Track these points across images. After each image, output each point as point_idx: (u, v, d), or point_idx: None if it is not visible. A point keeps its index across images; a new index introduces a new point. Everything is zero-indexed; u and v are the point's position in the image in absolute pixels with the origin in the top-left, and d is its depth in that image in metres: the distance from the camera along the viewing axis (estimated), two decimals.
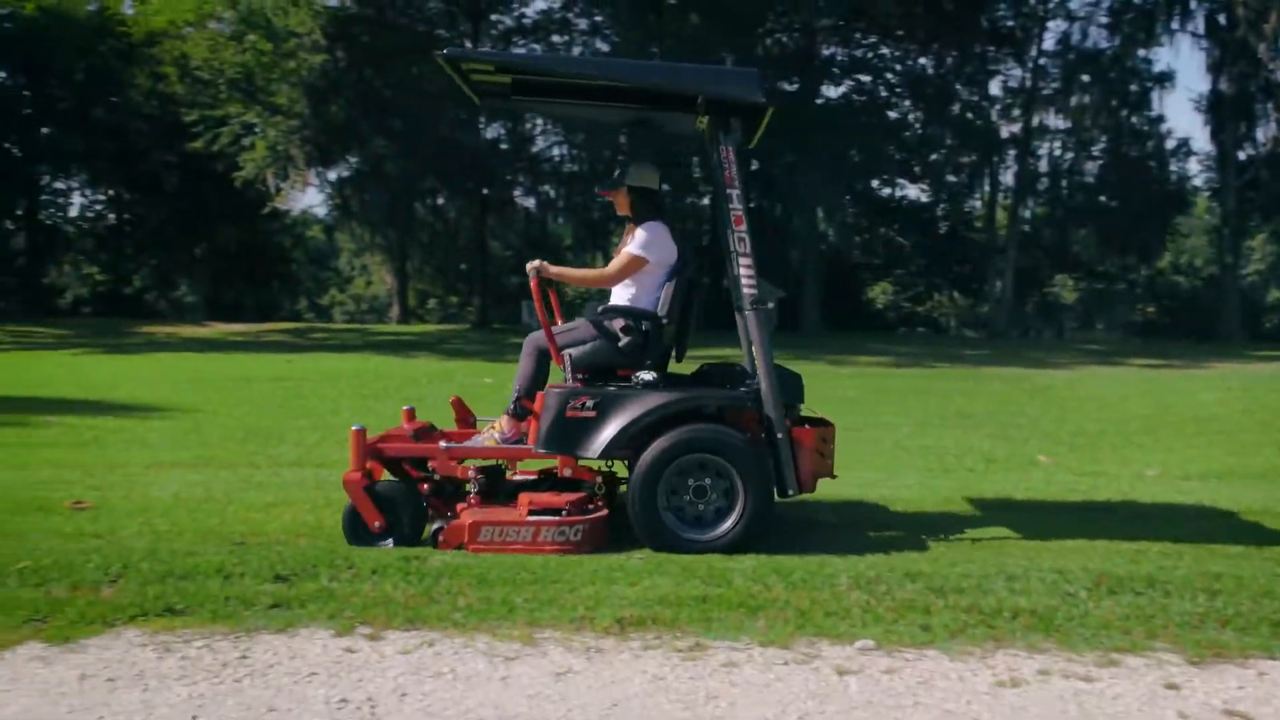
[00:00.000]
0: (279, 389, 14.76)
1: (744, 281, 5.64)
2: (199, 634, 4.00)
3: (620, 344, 5.70)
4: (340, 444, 9.46)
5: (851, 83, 41.21)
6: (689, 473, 5.42)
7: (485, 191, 38.84)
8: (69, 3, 43.00)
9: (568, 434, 5.49)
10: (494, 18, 39.50)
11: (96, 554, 4.90)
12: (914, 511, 6.68)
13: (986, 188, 43.47)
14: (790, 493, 5.53)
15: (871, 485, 7.59)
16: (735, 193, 5.65)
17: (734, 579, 4.60)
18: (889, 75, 41.28)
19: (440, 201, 42.52)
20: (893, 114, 41.53)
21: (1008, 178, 42.52)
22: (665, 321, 5.75)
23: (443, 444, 5.74)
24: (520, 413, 5.70)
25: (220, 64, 36.03)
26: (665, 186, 6.20)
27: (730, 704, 3.44)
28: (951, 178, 42.86)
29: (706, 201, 39.78)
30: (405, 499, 5.60)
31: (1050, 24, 42.52)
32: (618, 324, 5.74)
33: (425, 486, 5.75)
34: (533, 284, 5.75)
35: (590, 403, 5.50)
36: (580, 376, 5.67)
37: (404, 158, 36.20)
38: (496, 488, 5.89)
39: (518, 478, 6.06)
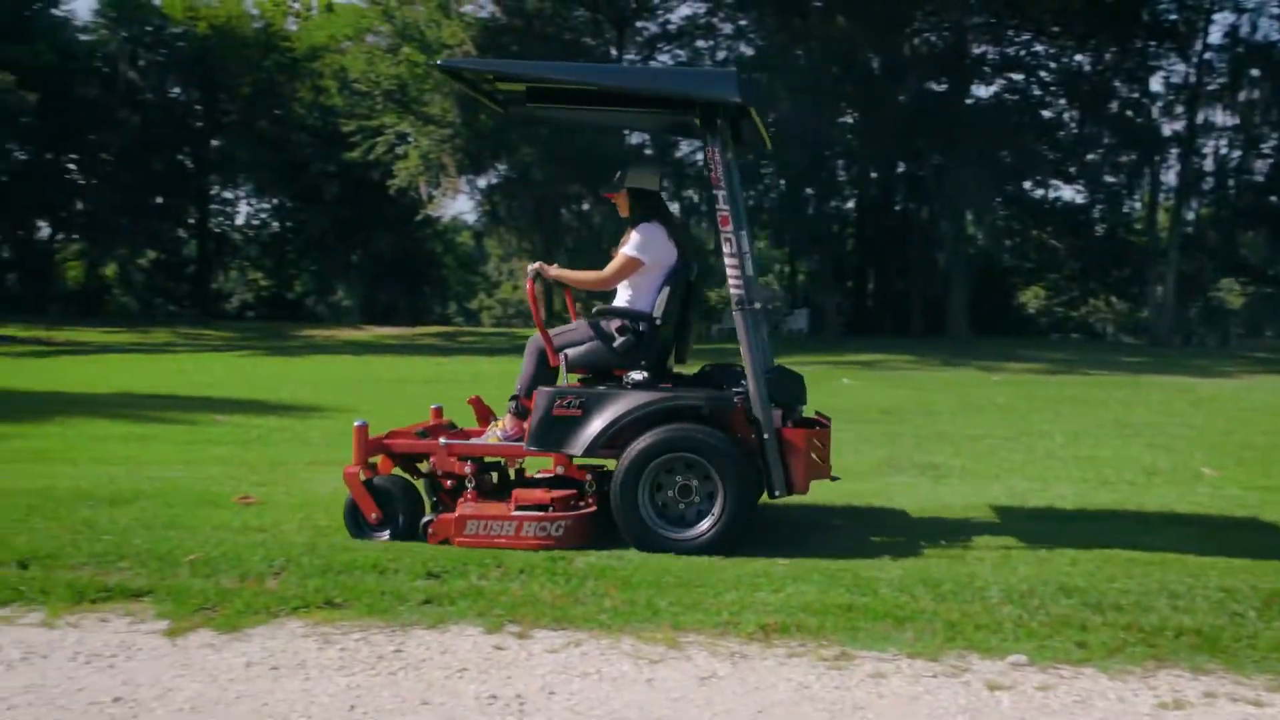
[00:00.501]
0: (430, 390, 15.16)
1: (731, 282, 5.63)
2: (356, 626, 4.15)
3: (615, 344, 5.74)
4: None
5: (1003, 81, 40.13)
6: (672, 472, 5.44)
7: None
8: (238, 21, 45.12)
9: (555, 432, 5.55)
10: (639, 25, 39.83)
11: (261, 547, 5.12)
12: (1068, 524, 6.47)
13: (1147, 188, 41.73)
14: (778, 494, 5.47)
15: (1024, 495, 7.37)
16: (722, 193, 5.64)
17: (880, 588, 4.53)
18: (1043, 73, 40.05)
19: (585, 206, 43.07)
20: (1047, 113, 40.28)
21: (1170, 178, 40.74)
22: (659, 322, 5.77)
23: (442, 440, 5.84)
24: (521, 412, 5.76)
25: (376, 76, 37.30)
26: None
27: (877, 715, 3.39)
28: (1109, 178, 41.28)
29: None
30: (401, 493, 5.75)
31: (1216, 17, 40.61)
32: (613, 325, 5.78)
33: (449, 482, 5.81)
34: (528, 286, 5.90)
35: (576, 402, 5.55)
36: (581, 377, 5.78)
37: (550, 164, 36.78)
38: (506, 484, 6.05)
39: (538, 475, 6.08)
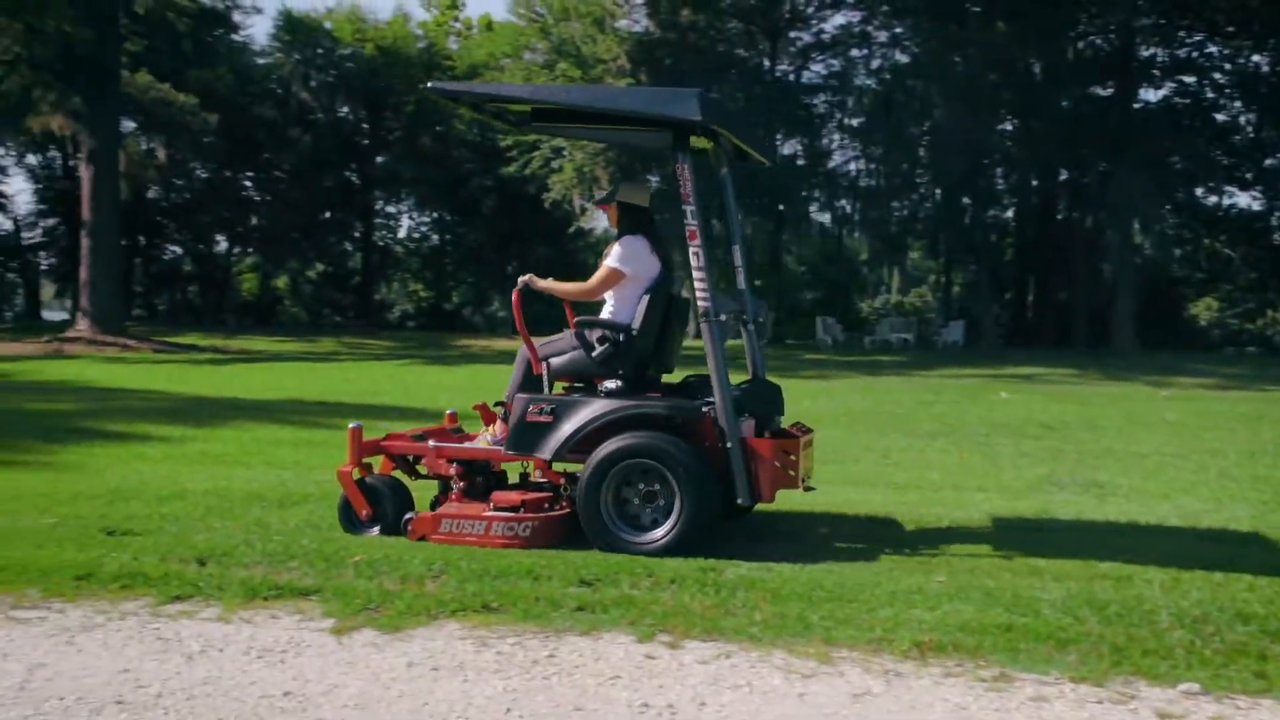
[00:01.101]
0: None
1: (698, 295, 5.82)
2: (512, 631, 4.24)
3: (594, 354, 5.94)
4: None
5: (1173, 84, 38.37)
6: (634, 478, 5.63)
7: (780, 207, 38.96)
8: (402, 42, 46.72)
9: (527, 436, 5.79)
10: (792, 35, 39.61)
11: (421, 550, 5.28)
12: (1245, 547, 6.14)
13: None
14: (741, 502, 5.61)
15: (1196, 516, 7.03)
16: (690, 209, 5.80)
17: (1042, 609, 4.39)
18: (1216, 75, 38.15)
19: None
20: (1221, 116, 38.37)
21: None
22: (636, 333, 5.96)
23: (431, 443, 6.13)
24: (508, 417, 5.95)
25: None
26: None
27: None
28: None
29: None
30: (390, 491, 6.09)
31: None
32: (595, 335, 5.99)
33: (461, 483, 6.09)
34: (514, 297, 6.21)
35: (547, 408, 5.79)
36: (565, 385, 6.03)
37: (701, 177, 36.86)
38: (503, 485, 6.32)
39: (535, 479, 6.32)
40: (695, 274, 5.83)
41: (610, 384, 5.91)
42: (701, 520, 5.51)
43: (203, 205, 46.25)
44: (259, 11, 56.09)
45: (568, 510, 5.83)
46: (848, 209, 41.63)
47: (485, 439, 6.17)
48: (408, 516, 5.91)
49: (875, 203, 39.53)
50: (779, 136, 39.23)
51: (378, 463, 6.33)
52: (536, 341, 6.13)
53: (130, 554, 5.20)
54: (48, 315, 48.35)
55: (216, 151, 41.77)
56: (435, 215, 51.29)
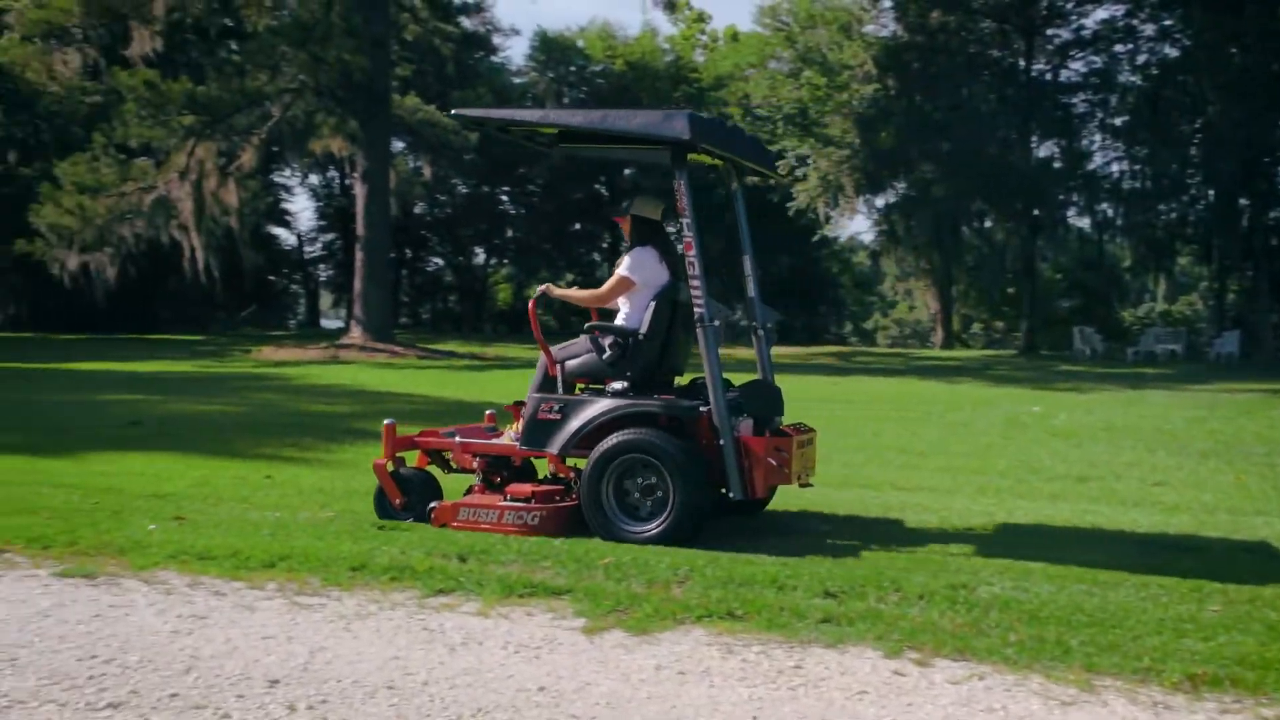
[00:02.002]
0: (825, 409, 15.22)
1: (694, 301, 6.19)
2: (756, 639, 4.25)
3: (604, 356, 6.40)
4: (882, 465, 9.59)
5: None
6: (633, 472, 6.01)
7: (1035, 212, 37.35)
8: (650, 57, 47.73)
9: (538, 433, 6.29)
10: (1049, 32, 37.94)
11: (668, 555, 5.37)
12: None
13: None
14: (733, 496, 5.94)
15: None
16: (686, 221, 6.24)
17: None
18: None
19: (987, 224, 41.56)
20: None
21: None
22: (643, 338, 6.35)
23: (457, 439, 6.66)
24: None
25: (778, 101, 38.06)
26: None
27: None
28: None
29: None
30: (420, 483, 6.65)
31: None
32: (607, 339, 6.43)
33: (498, 476, 6.61)
34: (530, 305, 6.85)
35: (556, 407, 6.28)
36: (581, 386, 6.49)
37: (951, 180, 35.87)
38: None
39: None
40: (691, 282, 6.22)
41: (617, 385, 6.33)
42: (693, 512, 5.89)
43: (463, 219, 48.72)
44: (517, 33, 58.75)
45: (575, 503, 6.20)
46: (1109, 213, 39.43)
47: (509, 435, 6.63)
48: (431, 505, 6.42)
49: (1140, 206, 37.24)
50: (1034, 139, 37.65)
51: (414, 457, 6.86)
52: (555, 345, 6.63)
53: (399, 548, 5.53)
54: (326, 323, 52.06)
55: (476, 168, 43.86)
56: (677, 226, 52.07)
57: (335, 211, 50.17)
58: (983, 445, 11.13)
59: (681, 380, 6.79)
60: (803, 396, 17.76)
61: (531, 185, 48.76)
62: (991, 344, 46.93)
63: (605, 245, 51.16)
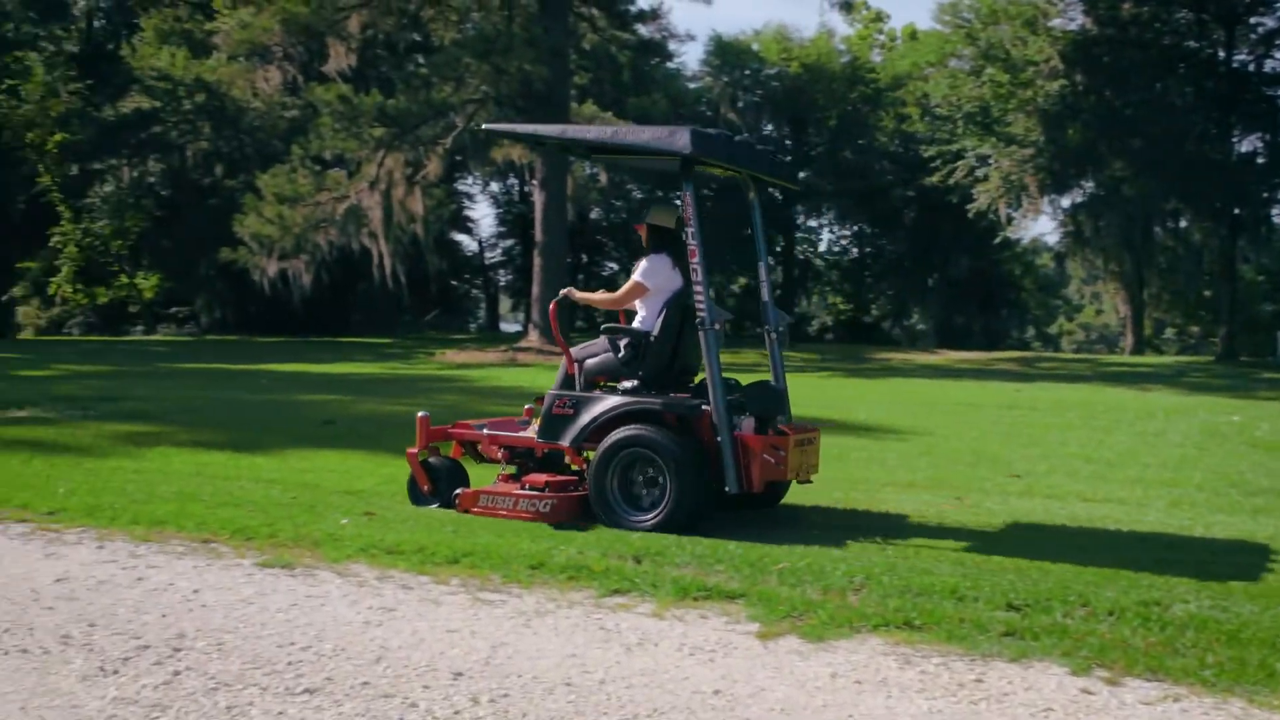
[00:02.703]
0: (1007, 416, 14.77)
1: (697, 305, 6.53)
2: (935, 651, 4.17)
3: (619, 356, 6.80)
4: (1069, 475, 9.23)
5: None
6: (636, 465, 6.42)
7: (1236, 211, 35.28)
8: (826, 58, 47.26)
9: (554, 427, 6.71)
10: (1252, 20, 35.78)
11: (843, 562, 5.32)
12: None
13: None
14: (729, 490, 6.26)
15: None
16: (691, 229, 6.52)
17: None
18: None
19: (1183, 223, 39.48)
20: None
21: None
22: (654, 339, 6.74)
23: (485, 431, 7.12)
24: None
25: (958, 99, 37.11)
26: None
27: None
28: None
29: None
30: (447, 472, 7.17)
31: None
32: (621, 340, 6.81)
33: (505, 455, 7.08)
34: (551, 307, 7.37)
35: (569, 403, 6.69)
36: (601, 384, 6.91)
37: (1144, 178, 34.23)
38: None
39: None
40: (695, 287, 6.56)
41: (628, 383, 6.75)
42: (688, 504, 6.25)
43: (637, 223, 49.19)
44: (692, 39, 59.13)
45: (586, 493, 6.57)
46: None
47: (533, 429, 6.96)
48: (456, 492, 6.91)
49: None
50: (1235, 134, 35.59)
51: (450, 447, 7.37)
52: (576, 346, 7.13)
53: (576, 548, 5.65)
54: (504, 327, 53.45)
55: (651, 173, 44.21)
56: (855, 228, 51.36)
57: (515, 218, 51.52)
58: (1177, 456, 10.59)
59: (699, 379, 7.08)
60: (982, 403, 17.28)
61: (706, 189, 48.91)
62: (1186, 350, 44.64)
63: (779, 249, 50.90)
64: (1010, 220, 38.36)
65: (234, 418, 12.41)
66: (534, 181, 33.53)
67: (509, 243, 53.96)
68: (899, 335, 51.11)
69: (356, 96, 28.83)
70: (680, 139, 6.40)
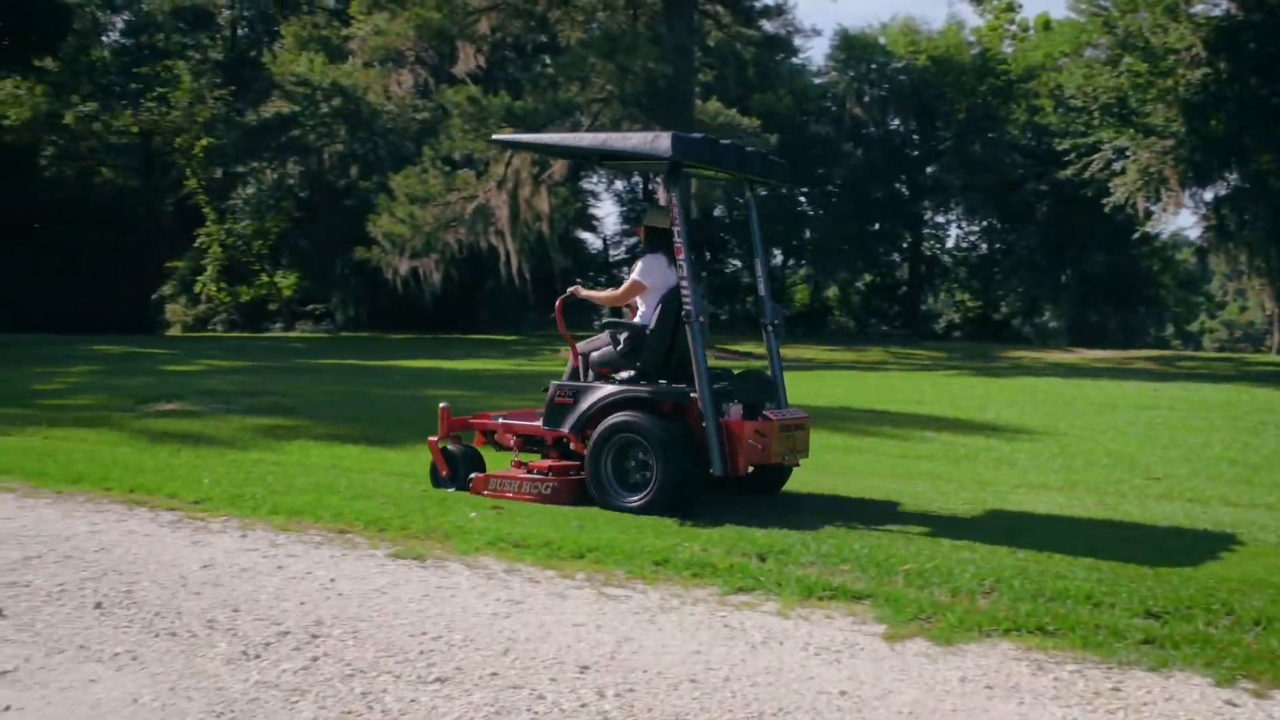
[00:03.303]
0: (1144, 417, 14.25)
1: (683, 300, 6.87)
2: (1070, 657, 4.06)
3: (618, 349, 7.32)
4: (1211, 478, 8.88)
5: None
6: (628, 450, 6.84)
7: None
8: (955, 51, 46.30)
9: (556, 415, 7.20)
10: None
11: (972, 565, 5.22)
12: None
13: None
14: (713, 472, 6.63)
15: None
16: (678, 229, 6.85)
17: None
18: None
19: None
20: None
21: None
22: (650, 333, 7.18)
23: (500, 420, 7.68)
24: None
25: (1094, 90, 35.94)
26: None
27: None
28: None
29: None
30: (463, 458, 7.72)
31: None
32: (622, 334, 7.33)
33: (517, 442, 7.58)
34: (558, 304, 7.87)
35: (569, 392, 7.19)
36: (605, 374, 7.38)
37: None
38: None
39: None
40: (681, 283, 6.90)
41: (624, 374, 7.20)
42: (673, 486, 6.63)
43: (760, 220, 48.97)
44: (818, 34, 58.61)
45: (584, 477, 6.99)
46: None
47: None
48: (471, 476, 7.45)
49: None
50: None
51: (473, 436, 7.87)
52: (582, 340, 7.71)
53: (700, 545, 5.66)
54: None
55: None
56: (985, 223, 50.20)
57: (638, 216, 51.74)
58: None
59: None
60: (1118, 403, 16.73)
61: (831, 185, 48.44)
62: None
63: (905, 245, 50.07)
64: (1149, 214, 37.00)
65: (368, 413, 12.76)
66: (657, 179, 33.62)
67: (632, 240, 54.28)
68: (1029, 333, 49.77)
69: (485, 98, 29.36)
70: (662, 143, 6.79)
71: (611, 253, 55.55)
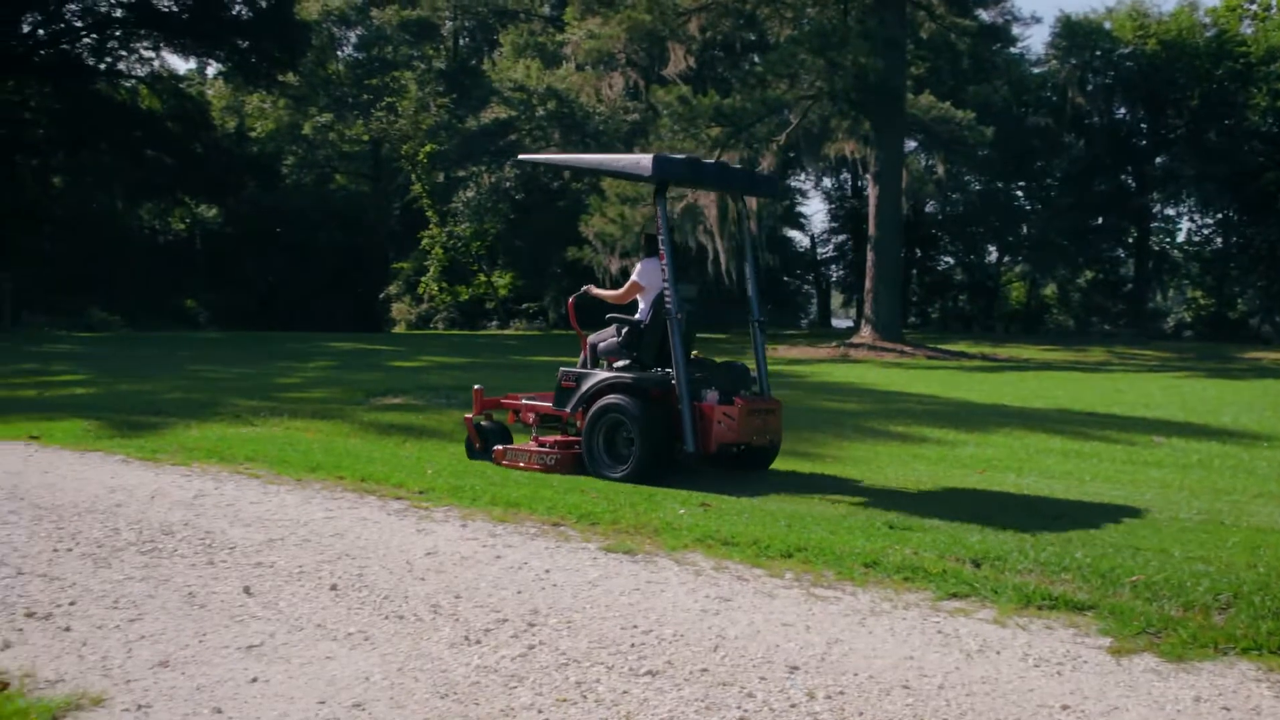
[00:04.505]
0: None
1: (665, 299, 8.02)
2: None
3: (619, 340, 8.47)
4: None
5: None
6: (616, 428, 7.97)
7: None
8: (1188, 34, 43.65)
9: (562, 397, 8.47)
10: None
11: (1206, 578, 4.92)
12: None
13: None
14: (688, 449, 7.75)
15: None
16: (661, 238, 8.05)
17: None
18: None
19: None
20: None
21: None
22: (645, 327, 8.35)
23: (523, 401, 8.99)
24: None
25: None
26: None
27: None
28: None
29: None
30: (493, 432, 9.01)
31: None
32: (623, 329, 8.47)
33: (535, 419, 8.92)
34: (569, 302, 9.21)
35: (572, 376, 8.45)
36: (608, 363, 8.57)
37: None
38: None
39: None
40: (664, 285, 8.04)
41: (620, 362, 8.42)
42: (650, 460, 7.80)
43: (975, 216, 47.53)
44: (1037, 21, 56.23)
45: (578, 450, 8.24)
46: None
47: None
48: (495, 448, 8.70)
49: None
50: None
51: (505, 415, 9.22)
52: (592, 334, 8.87)
53: (912, 548, 5.55)
54: (835, 323, 53.15)
55: (990, 164, 42.60)
56: (1220, 215, 47.07)
57: (847, 213, 51.10)
58: None
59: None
60: None
61: (1050, 179, 46.48)
62: None
63: (1130, 240, 47.53)
64: None
65: None
66: (867, 175, 33.09)
67: (841, 238, 53.60)
68: (1269, 332, 46.33)
69: (694, 98, 29.58)
70: (644, 164, 7.88)
71: (819, 250, 54.96)
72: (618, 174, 8.44)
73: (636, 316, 8.51)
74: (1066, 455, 10.17)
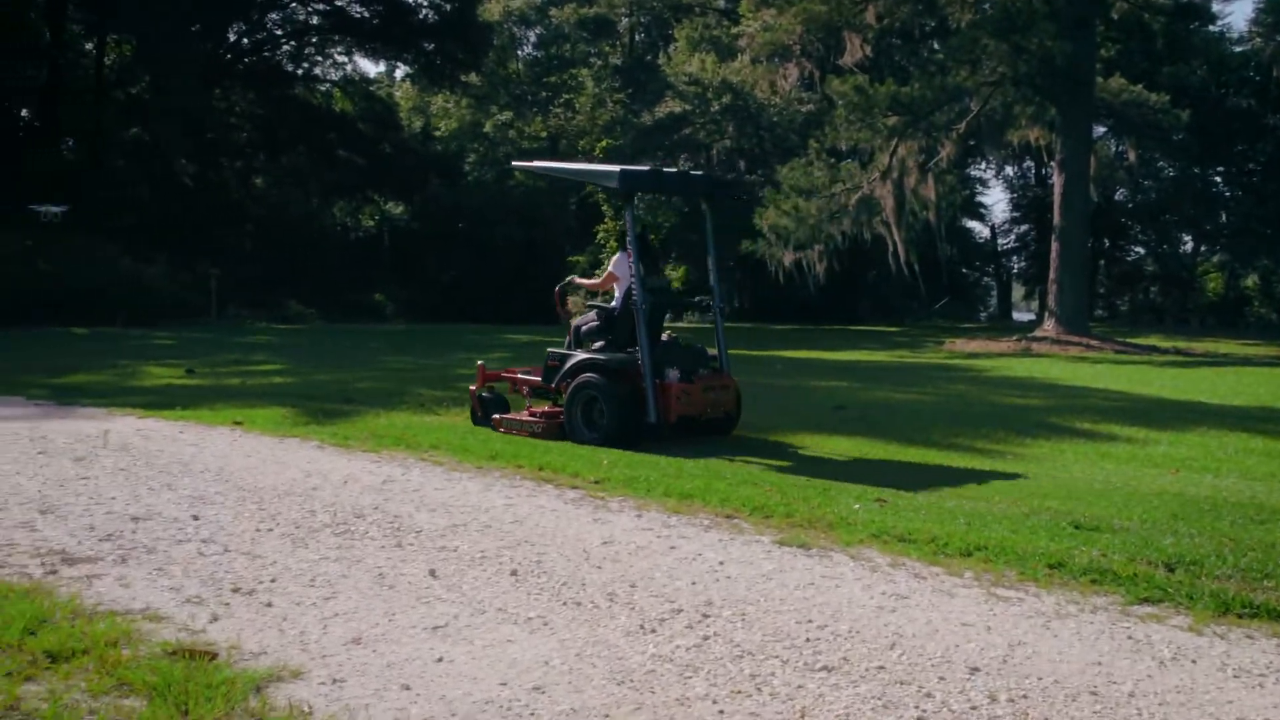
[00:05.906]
0: None
1: (632, 292, 9.44)
2: None
3: (597, 324, 9.88)
4: None
5: None
6: (591, 402, 9.32)
7: None
8: None
9: (548, 374, 9.85)
10: None
11: None
12: None
13: None
14: (650, 420, 9.15)
15: None
16: (629, 238, 9.56)
17: None
18: None
19: None
20: None
21: None
22: (618, 315, 9.70)
23: (520, 375, 10.43)
24: None
25: None
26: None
27: None
28: None
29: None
30: (493, 402, 10.34)
31: None
32: (603, 314, 9.85)
33: (528, 391, 10.42)
34: (556, 290, 10.84)
35: (556, 356, 9.84)
36: (592, 344, 9.92)
37: None
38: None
39: None
40: (631, 279, 9.38)
41: (596, 344, 9.76)
42: (617, 429, 9.09)
43: (1169, 204, 45.18)
44: None
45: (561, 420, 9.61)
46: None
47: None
48: (495, 416, 10.05)
49: None
50: None
51: (505, 387, 10.69)
52: (576, 318, 10.24)
53: (1099, 549, 5.35)
54: (1016, 316, 51.42)
55: (1186, 149, 40.43)
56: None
57: (1030, 202, 49.36)
58: None
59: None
60: None
61: (1253, 164, 43.76)
62: None
63: None
64: None
65: (750, 401, 13.05)
66: (1053, 163, 31.86)
67: (1023, 228, 51.81)
68: None
69: (871, 87, 29.06)
70: (611, 176, 9.57)
71: (1000, 242, 53.27)
72: (592, 182, 11.06)
73: (612, 304, 9.88)
74: (1270, 456, 9.59)
